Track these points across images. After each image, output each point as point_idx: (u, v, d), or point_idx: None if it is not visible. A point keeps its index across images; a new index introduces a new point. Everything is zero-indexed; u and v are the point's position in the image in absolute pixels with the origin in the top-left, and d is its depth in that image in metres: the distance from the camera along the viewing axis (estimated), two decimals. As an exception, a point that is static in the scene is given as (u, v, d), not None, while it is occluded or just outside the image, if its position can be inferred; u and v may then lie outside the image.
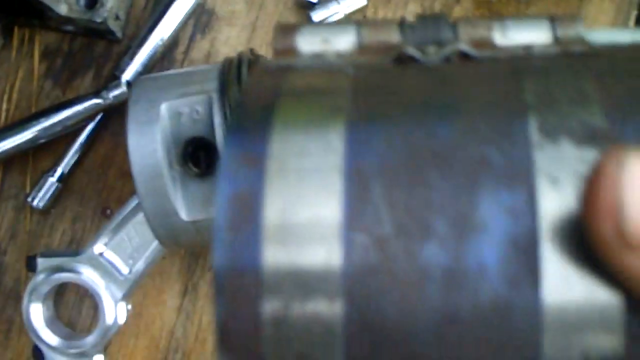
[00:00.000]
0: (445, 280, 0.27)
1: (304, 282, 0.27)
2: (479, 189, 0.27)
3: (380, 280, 0.27)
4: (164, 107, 0.63)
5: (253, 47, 0.71)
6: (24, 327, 0.72)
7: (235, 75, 0.64)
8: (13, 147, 0.76)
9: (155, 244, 0.69)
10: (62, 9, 0.74)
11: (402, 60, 0.34)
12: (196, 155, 0.64)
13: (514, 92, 0.30)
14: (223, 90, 0.63)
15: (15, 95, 0.80)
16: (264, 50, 0.76)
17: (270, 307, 0.27)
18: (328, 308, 0.27)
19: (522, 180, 0.27)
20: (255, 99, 0.31)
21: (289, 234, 0.28)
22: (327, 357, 0.27)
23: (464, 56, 0.34)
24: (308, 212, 0.28)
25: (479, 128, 0.28)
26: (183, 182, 0.63)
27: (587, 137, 0.28)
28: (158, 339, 0.75)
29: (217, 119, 0.62)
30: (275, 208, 0.28)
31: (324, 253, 0.27)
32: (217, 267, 0.28)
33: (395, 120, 0.29)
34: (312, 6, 0.78)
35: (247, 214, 0.28)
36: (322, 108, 0.30)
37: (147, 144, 0.63)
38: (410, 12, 0.78)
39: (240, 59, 0.65)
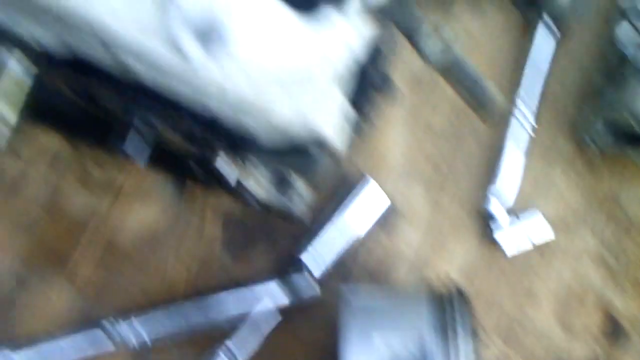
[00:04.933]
0: None
1: None
2: None
3: None
4: (377, 339, 0.65)
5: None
6: None
7: (450, 316, 0.66)
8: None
9: None
10: (261, 193, 0.75)
11: None
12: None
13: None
14: (441, 332, 0.65)
15: (184, 252, 0.80)
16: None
17: None
18: None
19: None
20: None
21: None
22: None
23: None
24: None
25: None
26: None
27: None
28: None
29: (433, 363, 0.64)
30: None
31: None
32: None
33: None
34: (491, 217, 0.81)
35: None
36: None
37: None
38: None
39: (450, 297, 0.67)
